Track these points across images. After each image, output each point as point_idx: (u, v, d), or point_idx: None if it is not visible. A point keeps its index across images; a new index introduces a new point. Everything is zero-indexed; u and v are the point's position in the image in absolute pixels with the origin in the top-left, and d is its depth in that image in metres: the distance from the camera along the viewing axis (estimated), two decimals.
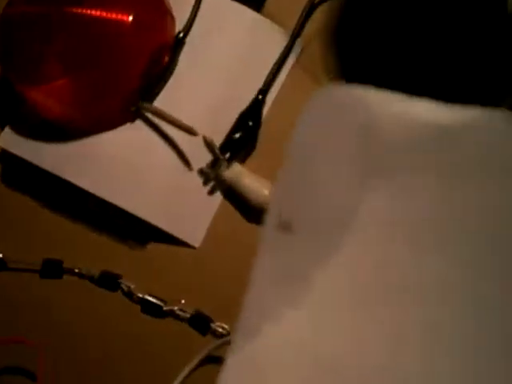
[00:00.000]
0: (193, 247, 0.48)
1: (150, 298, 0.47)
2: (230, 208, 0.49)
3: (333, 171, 0.25)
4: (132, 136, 0.49)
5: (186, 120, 0.47)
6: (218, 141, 0.48)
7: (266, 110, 0.49)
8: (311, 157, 0.26)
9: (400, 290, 0.24)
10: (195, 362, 0.45)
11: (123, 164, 0.48)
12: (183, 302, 0.47)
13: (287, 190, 0.26)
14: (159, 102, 0.49)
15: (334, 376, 0.23)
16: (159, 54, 0.48)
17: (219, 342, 0.44)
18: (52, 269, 0.49)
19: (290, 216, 0.25)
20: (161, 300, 0.47)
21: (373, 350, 0.23)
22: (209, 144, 0.47)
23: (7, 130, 0.49)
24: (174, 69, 0.50)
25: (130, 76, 0.47)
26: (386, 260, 0.24)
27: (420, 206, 0.24)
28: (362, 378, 0.23)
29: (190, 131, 0.46)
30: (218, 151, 0.47)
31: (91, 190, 0.47)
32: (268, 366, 0.24)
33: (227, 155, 0.48)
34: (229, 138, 0.48)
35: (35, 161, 0.48)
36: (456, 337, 0.23)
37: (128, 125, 0.49)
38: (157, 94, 0.49)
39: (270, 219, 0.26)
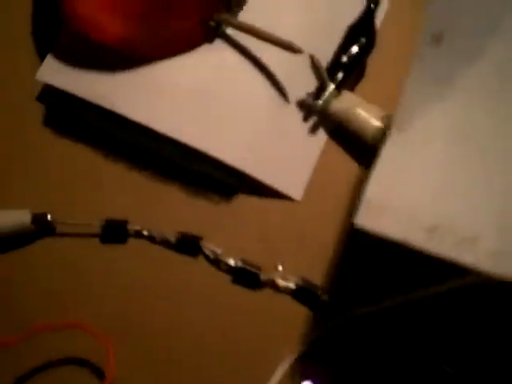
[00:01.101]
0: (293, 200, 0.38)
1: (243, 265, 0.37)
2: (338, 149, 0.39)
3: None
4: (211, 60, 0.38)
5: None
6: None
7: (378, 23, 0.39)
8: None
9: None
10: (304, 346, 0.35)
11: (201, 97, 0.38)
12: (280, 268, 0.38)
13: (438, 7, 0.28)
14: (244, 16, 0.39)
15: (483, 164, 0.26)
16: None
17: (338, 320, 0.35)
18: (115, 231, 0.38)
19: (442, 28, 0.28)
20: (256, 267, 0.38)
21: None
22: (315, 65, 0.36)
23: (49, 59, 0.39)
24: None
25: None
26: None
27: None
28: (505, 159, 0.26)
29: (290, 48, 0.35)
30: (325, 75, 0.37)
31: (163, 131, 0.37)
32: (417, 153, 0.27)
33: (336, 81, 0.37)
34: (337, 59, 0.38)
35: (89, 96, 0.38)
36: None
37: (205, 46, 0.38)
38: (241, 4, 0.39)
39: (424, 35, 0.29)
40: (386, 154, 0.28)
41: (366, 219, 0.26)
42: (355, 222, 0.26)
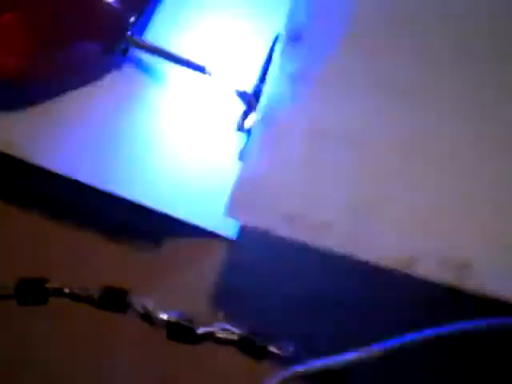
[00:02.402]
0: (229, 240, 0.34)
1: (177, 319, 0.33)
2: None
3: None
4: (121, 88, 0.33)
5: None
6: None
7: None
8: None
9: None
10: None
11: (113, 132, 0.33)
12: (222, 315, 0.33)
13: (296, 7, 0.29)
14: (152, 37, 0.34)
15: (335, 149, 0.27)
16: None
17: (293, 370, 0.30)
18: (32, 291, 0.34)
19: (300, 27, 0.29)
20: (192, 321, 0.33)
21: (376, 124, 0.28)
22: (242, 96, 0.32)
23: None
24: None
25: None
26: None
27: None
28: (362, 151, 0.27)
29: (202, 70, 0.31)
30: (251, 97, 0.32)
31: (74, 176, 0.32)
32: (275, 146, 0.28)
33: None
34: (263, 76, 0.33)
35: None
36: None
37: (113, 73, 0.34)
38: (145, 24, 0.34)
39: (283, 35, 0.29)
40: (252, 149, 0.28)
41: (235, 212, 0.28)
42: (227, 215, 0.28)
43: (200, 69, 0.31)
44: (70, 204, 0.34)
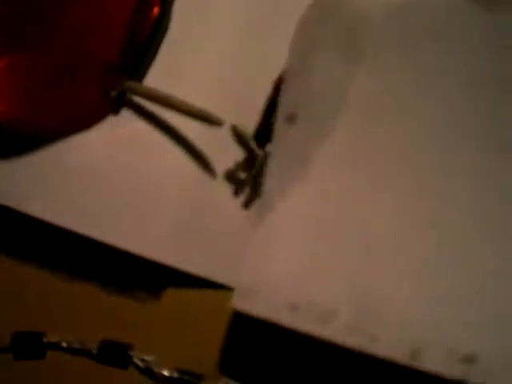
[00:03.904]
0: (232, 289, 0.33)
1: (180, 375, 0.32)
2: None
3: (325, 64, 0.29)
4: (118, 135, 0.32)
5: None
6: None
7: None
8: (309, 55, 0.29)
9: (395, 153, 0.28)
10: None
11: (110, 180, 0.32)
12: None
13: (291, 86, 0.29)
14: (150, 82, 0.33)
15: (337, 239, 0.27)
16: (145, 8, 0.32)
17: None
18: (29, 345, 0.33)
19: (294, 109, 0.29)
20: (196, 376, 0.32)
21: (374, 215, 0.27)
22: (240, 135, 0.31)
23: None
24: (166, 30, 0.33)
25: (104, 44, 0.31)
26: (376, 127, 0.28)
27: (399, 81, 0.28)
28: (364, 241, 0.27)
29: (209, 119, 0.30)
30: (253, 143, 0.31)
31: (72, 227, 0.31)
32: (279, 235, 0.28)
33: (266, 148, 0.32)
34: (264, 122, 0.32)
35: None
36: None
37: (109, 120, 0.33)
38: (145, 69, 0.33)
39: (279, 115, 0.29)
40: (254, 238, 0.29)
41: (241, 302, 0.28)
42: (233, 305, 0.28)
43: (206, 118, 0.30)
44: (67, 255, 0.33)
